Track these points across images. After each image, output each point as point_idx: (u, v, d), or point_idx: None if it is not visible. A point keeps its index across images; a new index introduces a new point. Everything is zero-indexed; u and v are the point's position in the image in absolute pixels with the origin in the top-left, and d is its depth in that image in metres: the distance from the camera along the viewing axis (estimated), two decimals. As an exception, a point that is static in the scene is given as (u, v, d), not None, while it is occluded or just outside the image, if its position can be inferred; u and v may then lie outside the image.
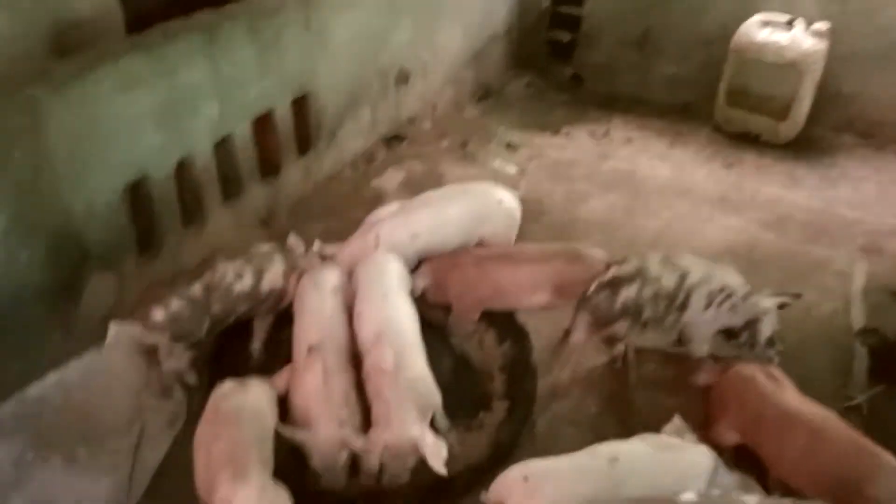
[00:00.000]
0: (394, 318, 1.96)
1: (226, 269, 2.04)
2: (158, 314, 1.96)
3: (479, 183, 2.72)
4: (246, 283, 2.04)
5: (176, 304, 1.97)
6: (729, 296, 1.98)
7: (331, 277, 2.09)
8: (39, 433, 1.92)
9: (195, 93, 2.30)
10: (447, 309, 2.27)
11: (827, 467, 1.57)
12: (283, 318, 2.13)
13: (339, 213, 2.86)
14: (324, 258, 2.28)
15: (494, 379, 2.14)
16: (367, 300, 2.01)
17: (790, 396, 1.74)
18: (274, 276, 2.10)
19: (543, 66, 4.44)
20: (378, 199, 2.95)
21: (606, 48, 4.22)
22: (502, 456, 1.86)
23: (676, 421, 1.74)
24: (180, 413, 2.01)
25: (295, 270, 2.15)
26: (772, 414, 1.69)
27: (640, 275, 2.01)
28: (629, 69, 4.19)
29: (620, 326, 2.08)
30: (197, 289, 1.99)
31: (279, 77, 2.65)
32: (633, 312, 2.02)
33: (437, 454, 1.63)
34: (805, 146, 3.67)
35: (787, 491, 1.63)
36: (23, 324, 1.99)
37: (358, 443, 1.66)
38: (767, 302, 1.98)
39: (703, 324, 2.02)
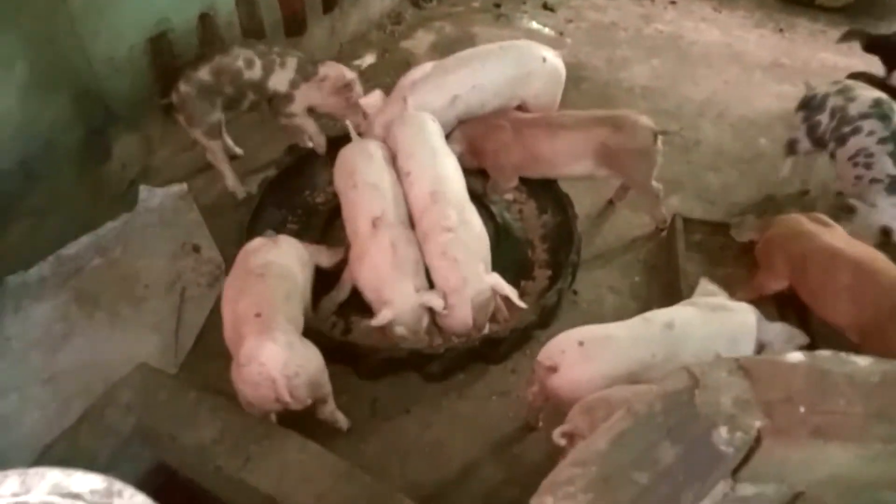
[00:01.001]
0: (446, 176, 1.87)
1: (238, 54, 2.02)
2: (183, 86, 1.98)
3: (520, 40, 2.52)
4: (255, 73, 2.04)
5: (196, 77, 1.98)
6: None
7: (378, 147, 1.98)
8: (81, 291, 1.94)
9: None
10: (484, 176, 2.18)
11: (872, 303, 1.57)
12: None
13: (367, 78, 2.71)
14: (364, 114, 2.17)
15: (536, 248, 2.10)
16: (415, 159, 1.90)
17: (838, 236, 1.72)
18: (279, 78, 2.08)
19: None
20: (407, 63, 2.79)
21: None
22: (546, 322, 1.87)
23: (705, 283, 1.71)
24: (219, 274, 2.00)
25: (308, 83, 2.11)
26: (818, 253, 1.68)
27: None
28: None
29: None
30: (207, 70, 1.99)
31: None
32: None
33: (516, 296, 1.68)
34: (864, 9, 3.40)
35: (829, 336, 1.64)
36: (53, 185, 1.94)
37: (439, 303, 1.64)
38: None
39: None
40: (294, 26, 2.59)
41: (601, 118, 2.11)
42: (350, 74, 2.17)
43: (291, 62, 2.09)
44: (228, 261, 1.88)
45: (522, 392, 1.64)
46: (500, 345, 1.76)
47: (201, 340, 1.85)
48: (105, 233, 2.09)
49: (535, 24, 3.19)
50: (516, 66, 2.19)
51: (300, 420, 1.45)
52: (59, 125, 1.90)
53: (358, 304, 1.78)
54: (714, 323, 1.53)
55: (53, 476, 0.87)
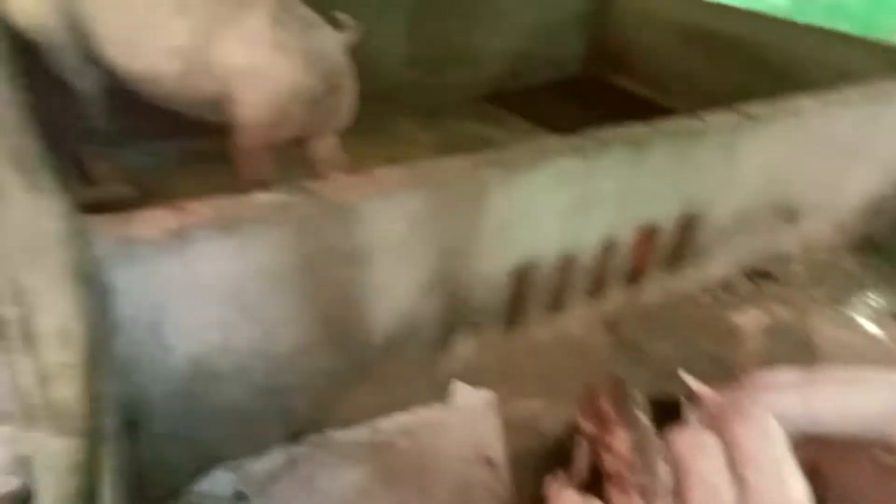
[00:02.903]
0: (792, 499, 1.69)
1: None
2: None
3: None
4: None
5: None
6: None
7: (713, 441, 1.90)
8: (385, 467, 2.11)
9: (605, 196, 2.36)
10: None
11: None
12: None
13: (688, 338, 2.71)
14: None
15: None
16: (758, 469, 1.77)
17: None
18: None
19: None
20: (732, 335, 2.73)
21: None
22: None
23: None
24: (506, 497, 2.02)
25: None
26: None
27: None
28: None
29: None
30: None
31: (679, 194, 2.60)
32: None
33: None
34: None
35: None
36: (399, 362, 2.21)
37: None
38: None
39: None
40: (631, 275, 2.73)
41: None
42: None
43: None
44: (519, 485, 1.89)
45: None
46: None
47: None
48: (415, 417, 2.28)
49: (880, 333, 2.91)
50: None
51: None
52: (427, 319, 2.20)
53: None
54: None
55: None
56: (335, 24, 2.93)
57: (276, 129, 3.00)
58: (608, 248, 2.51)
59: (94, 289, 1.40)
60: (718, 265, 3.03)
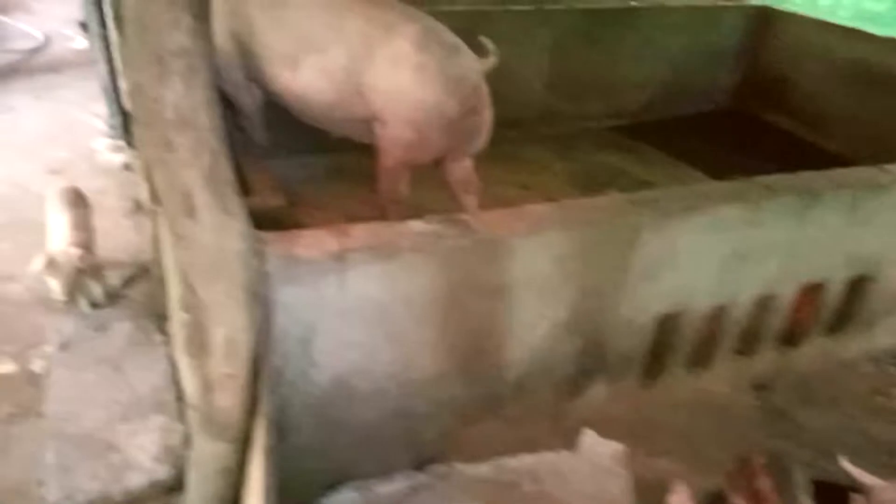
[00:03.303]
0: None
1: None
2: None
3: None
4: None
5: None
6: None
7: None
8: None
9: (767, 248, 2.19)
10: None
11: None
12: None
13: (847, 413, 2.43)
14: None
15: None
16: None
17: None
18: None
19: None
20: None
21: None
22: None
23: None
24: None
25: None
26: None
27: None
28: None
29: None
30: None
31: (850, 252, 2.36)
32: None
33: None
34: None
35: None
36: (529, 402, 2.15)
37: None
38: None
39: None
40: (789, 336, 2.51)
41: None
42: None
43: None
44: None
45: None
46: None
47: None
48: (541, 460, 2.20)
49: None
50: None
51: None
52: (563, 360, 2.12)
53: None
54: None
55: None
56: (478, 48, 2.95)
57: (416, 150, 3.05)
58: (765, 303, 2.32)
59: (260, 304, 1.46)
60: (887, 334, 2.72)
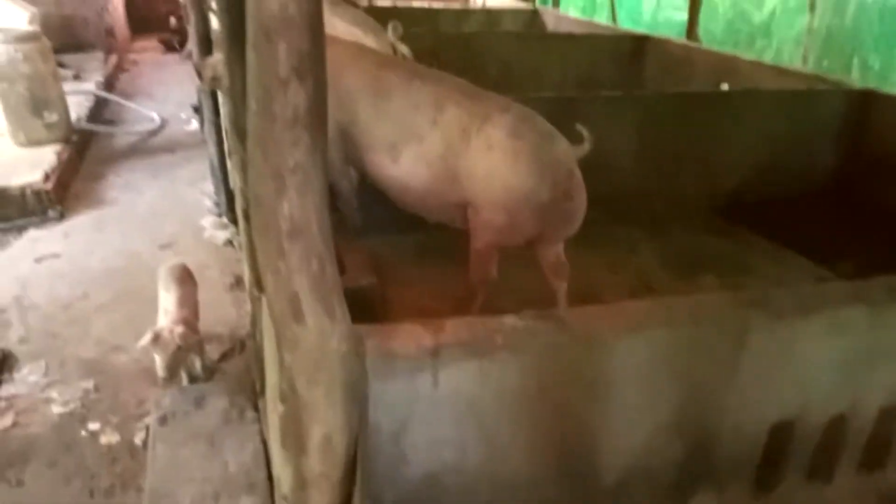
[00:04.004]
0: None
1: None
2: None
3: None
4: None
5: None
6: None
7: None
8: None
9: (893, 352, 2.00)
10: None
11: None
12: None
13: None
14: None
15: None
16: None
17: None
18: None
19: None
20: None
21: None
22: None
23: None
24: None
25: None
26: None
27: None
28: None
29: None
30: None
31: None
32: None
33: None
34: None
35: None
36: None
37: None
38: None
39: None
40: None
41: None
42: None
43: None
44: None
45: None
46: None
47: None
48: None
49: None
50: None
51: None
52: (665, 465, 1.98)
53: None
54: None
55: None
56: (572, 135, 2.96)
57: (507, 234, 3.07)
58: (893, 411, 2.10)
59: (358, 403, 1.45)
60: None
